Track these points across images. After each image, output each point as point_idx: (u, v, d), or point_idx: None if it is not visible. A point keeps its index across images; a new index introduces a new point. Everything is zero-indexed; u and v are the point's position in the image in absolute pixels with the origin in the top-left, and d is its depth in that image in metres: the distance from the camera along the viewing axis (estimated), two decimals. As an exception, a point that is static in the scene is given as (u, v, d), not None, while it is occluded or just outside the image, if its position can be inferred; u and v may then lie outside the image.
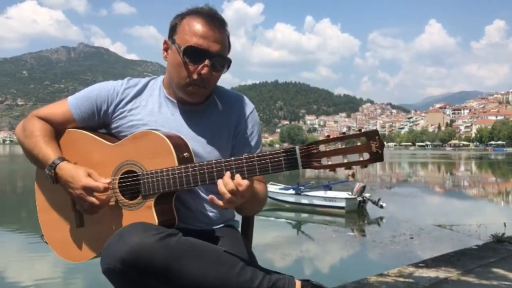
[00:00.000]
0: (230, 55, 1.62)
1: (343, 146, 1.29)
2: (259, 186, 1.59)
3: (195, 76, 1.54)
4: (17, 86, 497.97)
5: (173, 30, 1.60)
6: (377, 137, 1.26)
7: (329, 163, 1.29)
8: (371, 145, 1.26)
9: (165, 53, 1.63)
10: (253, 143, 1.71)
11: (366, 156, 1.27)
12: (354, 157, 1.28)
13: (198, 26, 1.53)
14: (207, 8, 1.59)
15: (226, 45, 1.59)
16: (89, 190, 1.46)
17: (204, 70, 1.52)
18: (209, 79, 1.56)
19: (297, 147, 1.32)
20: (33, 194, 1.73)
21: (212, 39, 1.53)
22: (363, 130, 1.28)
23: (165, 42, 1.63)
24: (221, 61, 1.57)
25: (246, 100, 1.76)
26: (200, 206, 1.63)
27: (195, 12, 1.57)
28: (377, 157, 1.26)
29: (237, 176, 1.36)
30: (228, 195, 1.35)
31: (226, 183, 1.36)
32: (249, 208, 1.63)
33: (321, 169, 1.30)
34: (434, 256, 4.14)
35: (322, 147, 1.30)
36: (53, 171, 1.53)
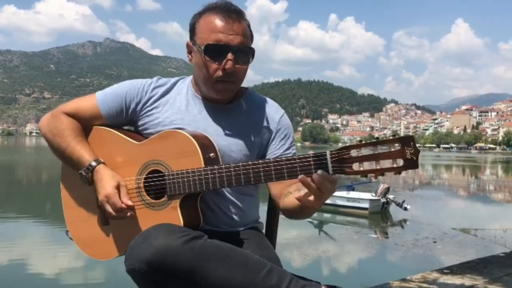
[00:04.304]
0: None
1: (376, 152, 1.25)
2: None
3: (220, 73, 1.52)
4: (44, 80, 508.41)
5: (192, 31, 1.59)
6: (412, 143, 1.22)
7: (361, 169, 1.25)
8: (406, 152, 1.22)
9: (190, 56, 1.61)
10: (287, 146, 1.69)
11: (400, 162, 1.23)
12: (386, 163, 1.24)
13: (215, 22, 1.51)
14: (222, 1, 1.57)
15: (247, 35, 1.56)
16: (110, 201, 1.47)
17: (228, 65, 1.50)
18: (235, 72, 1.54)
19: (327, 152, 1.29)
20: (58, 187, 1.73)
21: (231, 32, 1.50)
22: (396, 136, 1.24)
23: (187, 45, 1.62)
24: (244, 53, 1.54)
25: (275, 105, 1.74)
26: (224, 208, 1.61)
27: (210, 9, 1.55)
28: (411, 164, 1.22)
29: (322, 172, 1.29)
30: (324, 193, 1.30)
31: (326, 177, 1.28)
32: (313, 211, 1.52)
33: (353, 175, 1.27)
34: (458, 261, 4.06)
35: (353, 152, 1.26)
36: (90, 174, 1.53)
